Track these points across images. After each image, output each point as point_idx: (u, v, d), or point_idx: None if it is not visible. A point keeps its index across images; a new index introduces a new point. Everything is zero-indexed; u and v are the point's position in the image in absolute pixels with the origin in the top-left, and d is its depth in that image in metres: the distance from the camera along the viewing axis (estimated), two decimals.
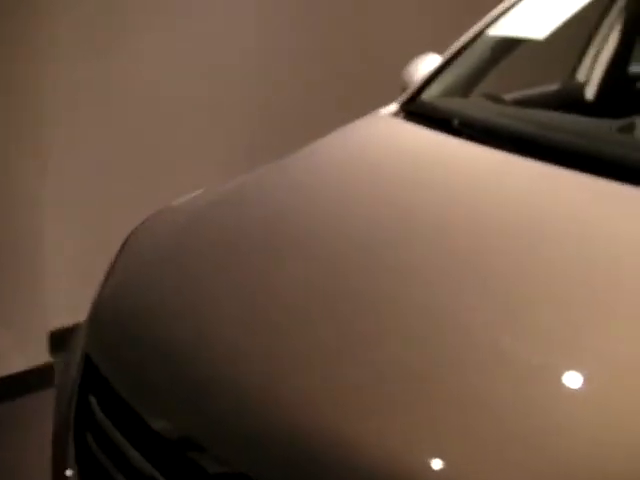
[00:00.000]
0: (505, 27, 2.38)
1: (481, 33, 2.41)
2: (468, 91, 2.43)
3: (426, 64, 2.55)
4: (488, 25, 2.40)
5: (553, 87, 2.93)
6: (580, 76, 2.99)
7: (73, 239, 3.20)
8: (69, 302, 3.18)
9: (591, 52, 2.96)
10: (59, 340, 3.10)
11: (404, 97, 2.38)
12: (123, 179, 3.29)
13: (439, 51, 2.62)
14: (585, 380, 1.27)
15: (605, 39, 2.95)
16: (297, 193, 1.97)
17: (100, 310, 1.68)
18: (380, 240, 1.70)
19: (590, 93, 2.85)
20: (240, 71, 3.53)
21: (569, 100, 2.74)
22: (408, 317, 1.43)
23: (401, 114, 2.31)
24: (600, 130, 2.02)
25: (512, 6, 2.40)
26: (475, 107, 2.30)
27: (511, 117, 2.16)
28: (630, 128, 2.00)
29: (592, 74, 2.93)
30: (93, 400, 1.51)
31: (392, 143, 2.19)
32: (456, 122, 2.08)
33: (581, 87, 2.90)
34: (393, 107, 2.36)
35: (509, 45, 2.47)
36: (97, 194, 3.24)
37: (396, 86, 2.81)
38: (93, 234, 3.23)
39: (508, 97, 2.62)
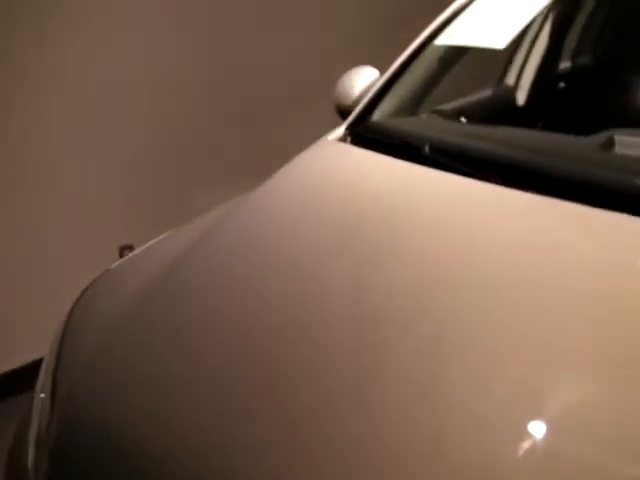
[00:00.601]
0: (453, 36, 2.18)
1: (426, 44, 2.21)
2: (421, 107, 2.22)
3: (363, 78, 2.34)
4: (433, 36, 2.20)
5: (486, 93, 2.77)
6: (509, 80, 2.85)
7: None
8: None
9: (520, 55, 2.83)
10: None
11: (350, 119, 2.15)
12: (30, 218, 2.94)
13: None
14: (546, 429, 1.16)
15: (533, 40, 2.82)
16: (254, 250, 1.74)
17: (62, 431, 1.38)
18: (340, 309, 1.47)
19: (525, 97, 2.71)
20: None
21: (511, 106, 2.59)
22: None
23: (349, 139, 2.08)
24: (581, 149, 1.83)
25: (457, 14, 2.21)
26: (432, 127, 2.08)
27: (477, 137, 1.96)
28: (610, 144, 1.83)
29: (522, 77, 2.80)
30: None
31: (347, 179, 1.93)
32: (427, 149, 1.86)
33: (513, 91, 2.76)
34: (339, 131, 2.12)
35: (458, 54, 2.28)
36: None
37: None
38: None
39: (446, 108, 2.44)
